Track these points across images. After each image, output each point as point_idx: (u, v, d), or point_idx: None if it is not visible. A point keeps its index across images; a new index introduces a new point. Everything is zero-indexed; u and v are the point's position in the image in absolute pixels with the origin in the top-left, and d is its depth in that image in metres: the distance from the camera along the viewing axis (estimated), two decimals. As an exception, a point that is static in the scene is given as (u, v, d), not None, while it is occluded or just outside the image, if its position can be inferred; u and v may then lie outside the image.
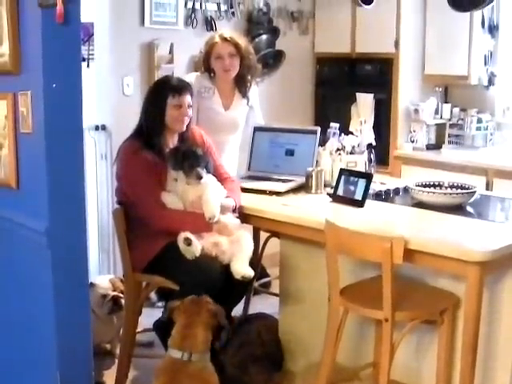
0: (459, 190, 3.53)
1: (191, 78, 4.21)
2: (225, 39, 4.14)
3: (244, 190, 3.77)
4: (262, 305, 4.59)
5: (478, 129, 5.52)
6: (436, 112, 5.73)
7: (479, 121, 5.51)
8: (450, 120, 5.71)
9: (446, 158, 5.39)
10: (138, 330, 3.87)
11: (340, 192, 3.58)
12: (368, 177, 3.52)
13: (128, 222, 3.50)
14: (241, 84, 4.27)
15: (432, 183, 3.67)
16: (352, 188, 3.53)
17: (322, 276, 3.38)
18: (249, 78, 4.27)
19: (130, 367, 3.75)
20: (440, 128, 5.77)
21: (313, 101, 6.23)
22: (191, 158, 3.41)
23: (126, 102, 4.85)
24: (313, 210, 3.47)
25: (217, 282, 3.24)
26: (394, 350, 2.95)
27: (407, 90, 5.68)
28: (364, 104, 5.70)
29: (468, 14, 5.37)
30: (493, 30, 5.55)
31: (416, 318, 3.00)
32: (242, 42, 4.22)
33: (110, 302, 3.89)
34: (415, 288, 3.16)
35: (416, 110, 5.63)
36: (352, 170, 3.71)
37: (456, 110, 5.72)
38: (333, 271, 3.09)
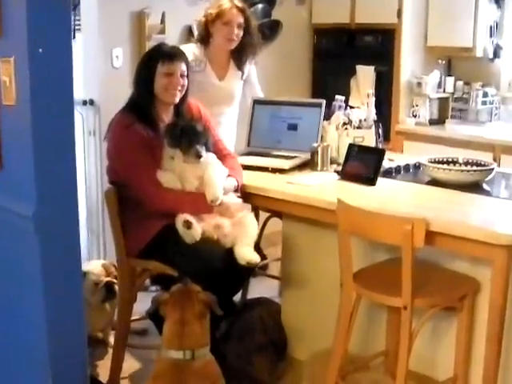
0: (477, 167, 3.31)
1: (185, 49, 3.96)
2: (238, 8, 3.94)
3: (244, 167, 3.52)
4: (261, 288, 4.39)
5: (484, 103, 5.31)
6: (439, 85, 5.51)
7: (485, 95, 5.29)
8: (453, 94, 5.49)
9: (450, 134, 5.19)
10: (133, 317, 3.63)
11: (349, 169, 3.35)
12: (380, 153, 3.29)
13: (121, 203, 3.25)
14: (236, 58, 4.06)
15: (446, 159, 3.45)
16: (362, 165, 3.30)
17: (328, 258, 3.23)
18: (246, 55, 4.04)
19: (124, 358, 3.52)
20: (443, 102, 5.55)
21: (310, 74, 5.98)
22: (190, 135, 3.16)
23: (115, 75, 4.59)
24: (321, 188, 3.24)
25: (219, 268, 3.01)
26: (413, 339, 2.74)
27: (409, 62, 5.44)
28: (364, 77, 5.49)
29: (474, -18, 5.15)
30: (499, 0, 5.31)
31: (435, 304, 2.79)
32: (252, 17, 4.03)
33: (103, 288, 3.66)
34: (432, 272, 2.94)
35: (419, 84, 5.40)
36: (362, 145, 3.47)
37: (460, 83, 5.49)
38: (345, 255, 2.86)
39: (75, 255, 2.16)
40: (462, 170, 3.26)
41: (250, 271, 3.21)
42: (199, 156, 3.14)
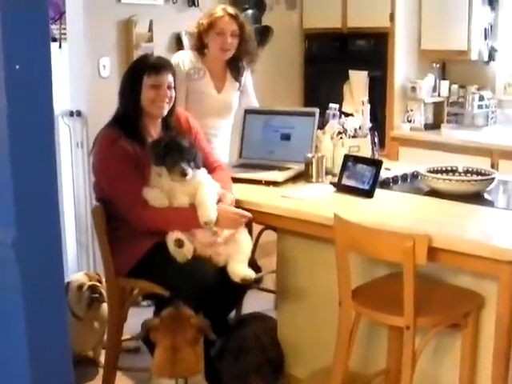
0: (478, 177, 3.19)
1: (183, 56, 3.84)
2: (231, 15, 3.77)
3: (236, 180, 3.39)
4: (255, 301, 4.24)
5: (480, 107, 5.20)
6: (433, 90, 5.40)
7: (481, 98, 5.18)
8: (448, 98, 5.39)
9: (446, 139, 5.08)
10: (124, 336, 3.50)
11: (345, 181, 3.23)
12: (377, 164, 3.16)
13: (109, 220, 3.12)
14: (233, 68, 3.90)
15: (445, 168, 3.33)
16: (359, 176, 3.18)
17: (325, 272, 3.12)
18: (243, 64, 3.90)
19: (116, 378, 3.39)
20: (438, 106, 5.45)
21: (302, 80, 5.85)
22: (174, 152, 2.99)
23: (103, 85, 4.47)
24: (317, 202, 3.12)
25: (212, 287, 2.89)
26: (416, 358, 2.62)
27: (403, 66, 5.33)
28: (357, 82, 5.38)
29: (467, -16, 5.05)
30: (493, 1, 5.20)
31: (439, 323, 2.67)
32: (247, 24, 3.87)
33: (87, 291, 3.55)
34: (434, 288, 2.82)
35: (413, 88, 5.29)
36: (358, 156, 3.35)
37: (454, 87, 5.39)
38: (343, 272, 2.74)
39: (59, 285, 2.03)
40: (463, 180, 3.14)
41: (244, 289, 3.09)
42: (184, 174, 2.98)
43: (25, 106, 1.90)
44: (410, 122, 5.34)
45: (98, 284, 3.57)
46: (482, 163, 4.41)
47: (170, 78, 3.19)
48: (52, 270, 1.98)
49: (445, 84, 5.41)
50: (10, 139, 1.87)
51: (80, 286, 3.56)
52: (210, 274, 2.91)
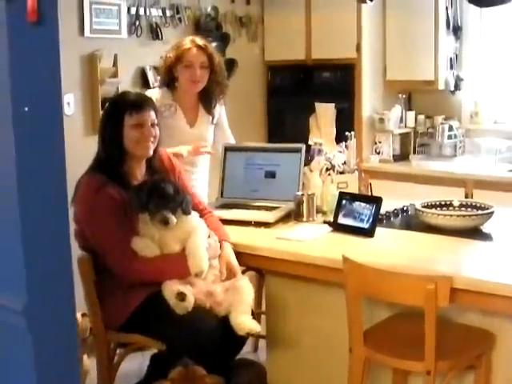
0: (477, 211, 3.10)
1: (151, 94, 3.66)
2: (199, 47, 3.59)
3: (223, 221, 3.21)
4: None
5: (449, 137, 5.15)
6: (400, 120, 5.34)
7: (450, 128, 5.14)
8: (415, 128, 5.34)
9: (418, 170, 5.02)
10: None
11: (342, 220, 3.08)
12: (377, 201, 3.03)
13: (97, 269, 2.88)
14: (205, 100, 3.72)
15: (439, 203, 3.24)
16: (356, 215, 3.04)
17: (319, 316, 3.03)
18: (215, 95, 3.73)
19: None
20: (404, 137, 5.39)
21: (265, 113, 5.72)
22: (156, 198, 2.78)
23: (67, 123, 4.07)
24: (316, 243, 2.96)
25: (212, 340, 2.69)
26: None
27: (370, 97, 5.26)
28: (324, 115, 5.27)
29: (433, 14, 5.03)
30: (457, 31, 5.20)
31: (458, 366, 2.55)
32: (216, 54, 3.69)
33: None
34: (446, 329, 2.67)
35: (381, 120, 5.21)
36: (354, 193, 3.22)
37: (421, 117, 5.35)
38: (355, 318, 2.58)
39: (73, 351, 1.81)
40: (464, 216, 3.04)
41: (245, 339, 2.89)
42: (166, 222, 2.78)
43: (35, 153, 1.69)
44: (378, 153, 5.26)
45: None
46: (456, 194, 4.36)
47: (153, 114, 2.99)
48: (66, 339, 1.76)
49: (411, 115, 5.37)
50: (20, 193, 1.65)
51: (83, 314, 3.24)
52: (210, 325, 2.71)
